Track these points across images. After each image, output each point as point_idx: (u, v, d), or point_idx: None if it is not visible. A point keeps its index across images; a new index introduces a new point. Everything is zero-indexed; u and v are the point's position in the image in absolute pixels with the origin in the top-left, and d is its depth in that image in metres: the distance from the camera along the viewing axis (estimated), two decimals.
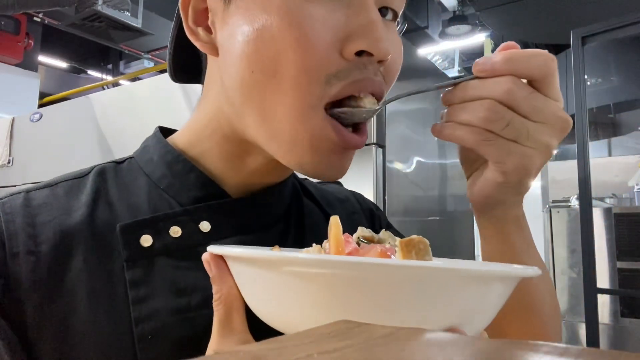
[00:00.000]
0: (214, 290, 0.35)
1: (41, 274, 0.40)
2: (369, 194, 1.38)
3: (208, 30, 0.45)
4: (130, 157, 0.51)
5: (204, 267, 0.42)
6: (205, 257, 0.36)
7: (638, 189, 3.40)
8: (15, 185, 2.61)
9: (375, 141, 1.41)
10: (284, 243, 0.49)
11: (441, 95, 0.43)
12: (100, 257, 0.42)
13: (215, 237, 0.45)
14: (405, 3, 0.46)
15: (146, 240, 0.42)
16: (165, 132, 0.53)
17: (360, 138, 0.43)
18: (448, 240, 1.92)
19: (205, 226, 0.45)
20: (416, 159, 1.69)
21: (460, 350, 0.16)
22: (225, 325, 0.34)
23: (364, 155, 1.41)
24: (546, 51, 0.39)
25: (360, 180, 1.40)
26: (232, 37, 0.41)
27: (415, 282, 0.26)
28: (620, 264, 2.86)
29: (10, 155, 2.70)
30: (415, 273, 0.26)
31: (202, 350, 0.39)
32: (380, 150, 1.44)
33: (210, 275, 0.36)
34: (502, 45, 0.40)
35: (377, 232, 0.62)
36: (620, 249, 2.86)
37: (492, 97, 0.38)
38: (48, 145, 2.48)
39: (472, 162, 0.46)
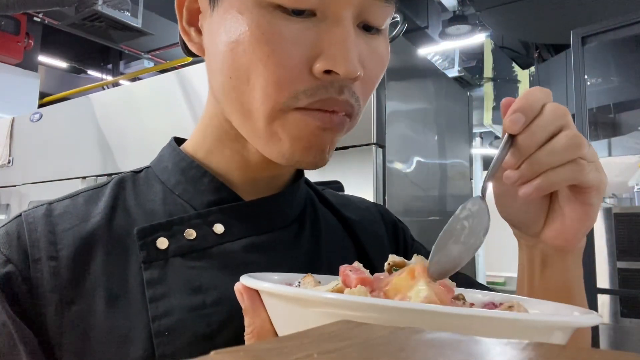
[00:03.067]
0: (246, 323, 0.36)
1: (62, 278, 0.42)
2: (369, 194, 1.38)
3: (199, 31, 0.47)
4: (148, 167, 0.53)
5: (217, 267, 0.45)
6: (237, 287, 0.37)
7: (638, 189, 3.40)
8: (15, 185, 2.61)
9: (375, 141, 1.41)
10: (297, 244, 0.51)
11: (504, 163, 0.40)
12: (118, 260, 0.44)
13: (229, 238, 0.46)
14: (393, 12, 0.45)
15: (162, 243, 0.44)
16: (179, 141, 0.55)
17: (338, 116, 0.43)
18: None
19: (218, 228, 0.46)
20: (416, 159, 1.69)
21: (459, 350, 0.16)
22: None
23: (364, 155, 1.41)
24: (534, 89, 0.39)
25: (360, 180, 1.40)
26: (213, 44, 0.44)
27: (475, 332, 0.25)
28: (620, 264, 2.86)
29: (10, 155, 2.70)
30: (479, 322, 0.25)
31: (216, 346, 0.40)
32: (380, 150, 1.44)
33: (243, 306, 0.36)
34: (503, 103, 0.40)
35: (400, 245, 0.61)
36: (620, 249, 2.86)
37: (561, 128, 0.38)
38: (48, 145, 2.48)
39: (538, 212, 0.44)
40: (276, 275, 0.40)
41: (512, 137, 0.38)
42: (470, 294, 0.39)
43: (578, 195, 0.41)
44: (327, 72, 0.40)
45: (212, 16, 0.44)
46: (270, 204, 0.50)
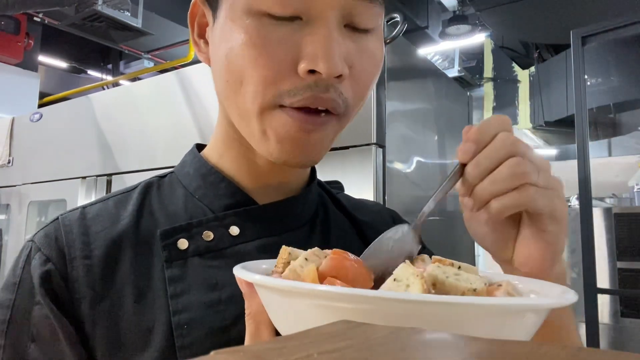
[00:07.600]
0: (245, 307, 0.39)
1: (95, 275, 0.47)
2: (369, 194, 1.38)
3: (207, 43, 0.51)
4: (172, 172, 0.58)
5: (232, 266, 0.48)
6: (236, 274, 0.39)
7: (638, 189, 3.40)
8: (15, 185, 2.61)
9: (375, 141, 1.41)
10: (307, 245, 0.53)
11: (460, 187, 0.42)
12: (144, 259, 0.48)
13: (243, 239, 0.50)
14: (381, 12, 0.46)
15: (182, 244, 0.48)
16: (199, 147, 0.59)
17: (320, 117, 0.45)
18: (448, 240, 1.92)
19: (234, 230, 0.50)
20: (416, 159, 1.69)
21: (460, 350, 0.16)
22: (255, 338, 0.38)
23: (364, 155, 1.41)
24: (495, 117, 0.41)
25: (360, 180, 1.40)
26: (215, 52, 0.48)
27: (447, 319, 0.26)
28: (620, 264, 2.86)
29: (10, 155, 2.70)
30: (444, 309, 0.25)
31: (231, 338, 0.45)
32: (380, 150, 1.44)
33: (243, 292, 0.39)
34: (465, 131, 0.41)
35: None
36: (620, 249, 2.86)
37: (508, 156, 0.39)
38: (48, 145, 2.48)
39: (506, 237, 0.44)
40: (265, 264, 0.41)
41: (463, 166, 0.41)
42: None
43: (533, 221, 0.41)
44: (312, 72, 0.42)
45: (214, 27, 0.47)
46: (283, 208, 0.53)
